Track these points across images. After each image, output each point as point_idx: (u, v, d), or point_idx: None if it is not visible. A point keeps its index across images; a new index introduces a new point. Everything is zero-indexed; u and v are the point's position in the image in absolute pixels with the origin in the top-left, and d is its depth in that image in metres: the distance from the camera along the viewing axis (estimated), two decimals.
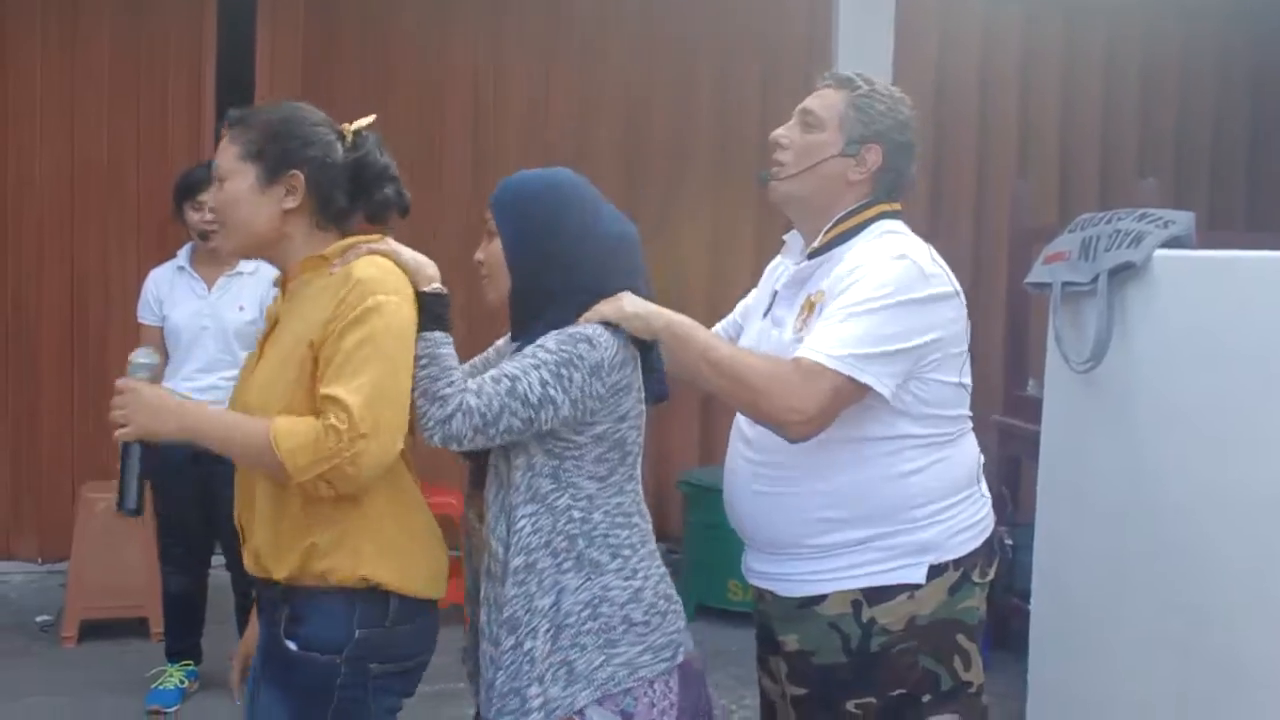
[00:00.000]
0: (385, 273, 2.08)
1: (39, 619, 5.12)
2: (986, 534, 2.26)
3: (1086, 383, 3.10)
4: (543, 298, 2.13)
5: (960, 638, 2.20)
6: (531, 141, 5.76)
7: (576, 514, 2.10)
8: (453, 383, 2.06)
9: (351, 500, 2.05)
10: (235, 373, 2.39)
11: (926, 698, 2.18)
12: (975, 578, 2.22)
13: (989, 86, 6.25)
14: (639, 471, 2.20)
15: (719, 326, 2.57)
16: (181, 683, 4.34)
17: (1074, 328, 3.14)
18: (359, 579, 2.06)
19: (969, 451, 2.26)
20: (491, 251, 2.18)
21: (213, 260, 4.23)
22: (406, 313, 2.06)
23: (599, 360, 2.06)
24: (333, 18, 5.66)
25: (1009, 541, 2.40)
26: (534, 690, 2.08)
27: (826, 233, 2.22)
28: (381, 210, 2.20)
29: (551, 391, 2.02)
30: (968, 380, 2.24)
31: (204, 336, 4.18)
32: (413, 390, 2.04)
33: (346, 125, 2.20)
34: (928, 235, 2.33)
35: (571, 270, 2.12)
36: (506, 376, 2.05)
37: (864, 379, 2.04)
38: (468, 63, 5.78)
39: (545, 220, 2.13)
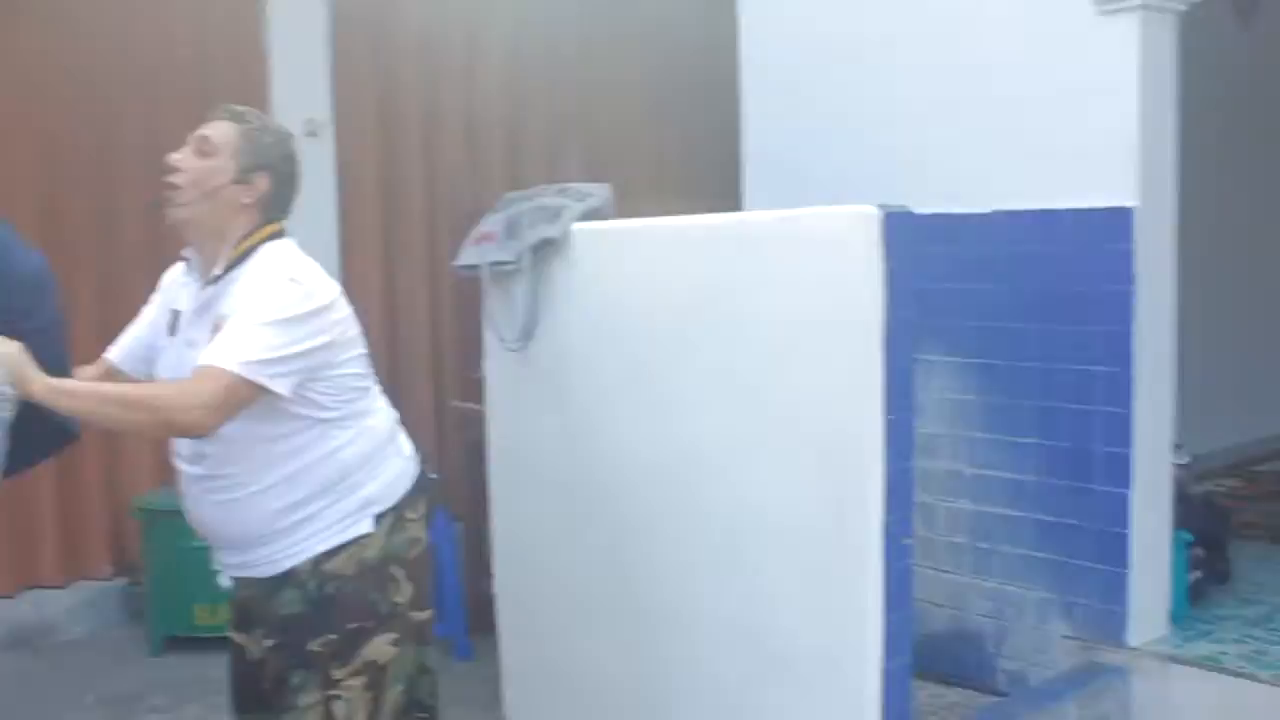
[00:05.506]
0: None
1: None
2: (414, 478, 2.61)
3: (521, 360, 3.19)
4: None
5: (394, 569, 2.54)
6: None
7: None
8: None
9: None
10: None
11: (370, 623, 2.49)
12: (409, 515, 2.57)
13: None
14: None
15: (125, 339, 2.72)
16: None
17: (505, 307, 3.21)
18: None
19: (383, 415, 2.61)
20: None
21: None
22: None
23: None
24: None
25: (433, 476, 2.79)
26: None
27: (224, 261, 2.52)
28: None
29: None
30: (363, 364, 2.58)
31: None
32: None
33: None
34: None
35: None
36: None
37: (259, 380, 2.35)
38: None
39: None
